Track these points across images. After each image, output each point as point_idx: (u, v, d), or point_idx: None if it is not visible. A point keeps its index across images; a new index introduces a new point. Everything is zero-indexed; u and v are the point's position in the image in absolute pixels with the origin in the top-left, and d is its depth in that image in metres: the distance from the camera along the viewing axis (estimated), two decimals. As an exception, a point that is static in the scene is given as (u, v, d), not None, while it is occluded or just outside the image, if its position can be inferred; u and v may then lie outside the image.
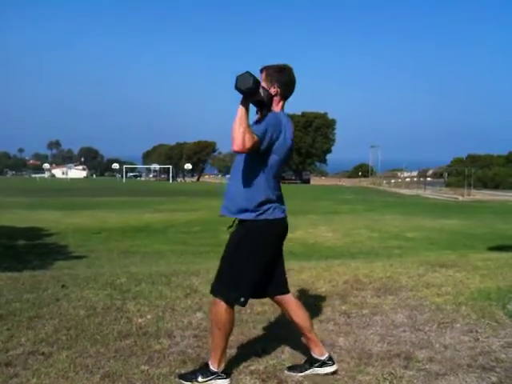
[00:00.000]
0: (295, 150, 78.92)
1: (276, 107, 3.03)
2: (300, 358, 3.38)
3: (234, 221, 3.07)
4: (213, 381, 3.03)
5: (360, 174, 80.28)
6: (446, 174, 59.61)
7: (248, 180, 2.95)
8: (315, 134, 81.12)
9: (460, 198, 37.99)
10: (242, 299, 3.01)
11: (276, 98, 3.02)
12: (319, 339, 3.30)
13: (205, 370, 3.05)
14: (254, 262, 3.01)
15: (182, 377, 3.06)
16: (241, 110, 2.77)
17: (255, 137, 2.78)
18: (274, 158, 2.94)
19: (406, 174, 76.93)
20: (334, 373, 3.17)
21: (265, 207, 2.97)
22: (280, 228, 3.09)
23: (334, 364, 3.20)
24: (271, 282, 3.16)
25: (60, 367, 3.17)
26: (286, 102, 3.12)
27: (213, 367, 3.03)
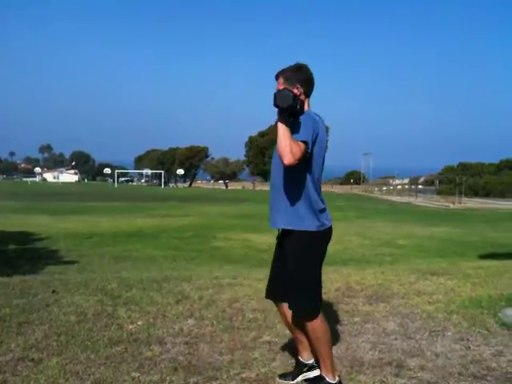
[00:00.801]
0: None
1: (305, 107, 3.02)
2: (291, 366, 3.37)
3: (281, 230, 3.06)
4: None
5: (352, 181, 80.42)
6: (438, 182, 59.86)
7: (297, 188, 2.95)
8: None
9: (451, 206, 38.15)
10: (319, 305, 3.07)
11: (301, 98, 3.00)
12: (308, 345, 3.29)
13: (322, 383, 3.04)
14: (317, 269, 3.06)
15: None
16: (281, 126, 2.77)
17: (301, 145, 2.78)
18: (315, 160, 2.95)
19: (397, 182, 77.15)
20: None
21: (318, 216, 2.98)
22: (329, 236, 3.11)
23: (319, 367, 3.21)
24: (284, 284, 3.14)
25: (50, 374, 3.14)
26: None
27: (329, 379, 3.03)
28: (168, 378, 3.16)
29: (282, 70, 3.04)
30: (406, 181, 75.36)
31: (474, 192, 53.82)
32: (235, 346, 3.73)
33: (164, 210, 25.83)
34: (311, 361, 3.22)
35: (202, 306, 4.71)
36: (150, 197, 42.89)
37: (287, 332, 4.08)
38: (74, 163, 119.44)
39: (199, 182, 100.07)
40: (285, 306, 3.19)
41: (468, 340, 3.97)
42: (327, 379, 3.03)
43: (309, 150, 2.84)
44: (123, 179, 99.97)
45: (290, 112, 2.83)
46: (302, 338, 3.21)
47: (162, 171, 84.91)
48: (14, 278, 6.12)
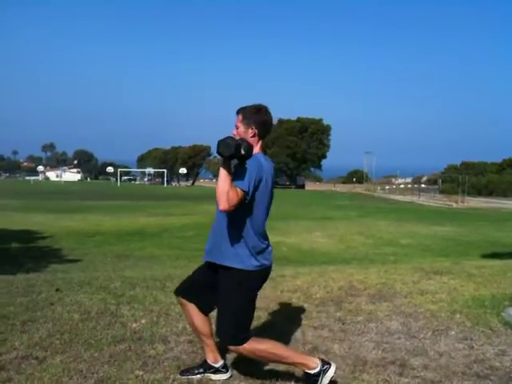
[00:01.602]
0: (290, 155, 79.14)
1: (256, 148, 3.02)
2: (293, 367, 3.37)
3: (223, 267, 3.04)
4: (326, 375, 3.00)
5: (354, 179, 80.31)
6: (440, 181, 59.70)
7: (236, 229, 2.96)
8: (310, 140, 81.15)
9: (454, 205, 38.09)
10: (247, 336, 3.02)
11: (254, 139, 3.03)
12: (217, 346, 3.26)
13: (313, 377, 3.01)
14: (247, 305, 3.03)
15: None
16: (222, 172, 2.81)
17: (239, 192, 2.81)
18: (256, 205, 2.96)
19: (400, 181, 76.99)
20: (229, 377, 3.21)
21: (256, 256, 2.99)
22: (266, 274, 3.12)
23: (227, 372, 3.23)
24: (204, 295, 3.15)
25: (54, 372, 3.15)
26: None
27: (314, 370, 3.00)
28: (171, 376, 3.17)
29: (243, 108, 3.06)
30: (408, 180, 75.20)
31: (477, 191, 53.72)
32: (236, 356, 3.73)
33: (167, 209, 25.84)
34: (218, 364, 3.22)
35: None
36: (152, 195, 42.91)
37: (291, 330, 4.10)
38: (76, 162, 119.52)
39: (202, 180, 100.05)
40: (194, 307, 3.18)
41: (471, 339, 3.97)
42: (311, 372, 3.01)
43: (248, 197, 2.86)
44: (126, 178, 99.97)
45: (236, 157, 2.84)
46: (207, 340, 3.21)
47: (165, 170, 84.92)
48: (18, 277, 6.14)
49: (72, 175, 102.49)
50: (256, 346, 3.00)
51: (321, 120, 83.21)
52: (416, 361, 3.52)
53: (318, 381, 2.99)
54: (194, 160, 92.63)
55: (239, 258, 2.96)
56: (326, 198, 43.69)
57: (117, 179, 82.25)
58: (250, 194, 2.86)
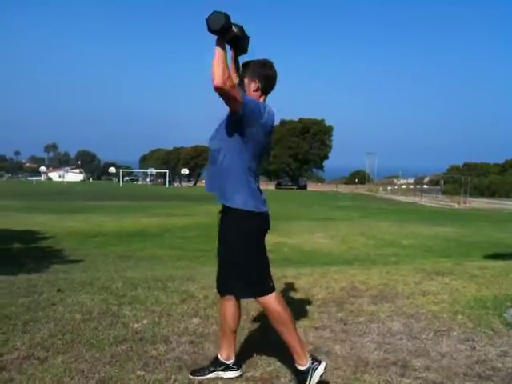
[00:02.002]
0: (292, 156, 79.17)
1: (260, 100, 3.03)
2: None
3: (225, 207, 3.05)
4: (315, 373, 3.00)
5: (357, 180, 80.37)
6: (443, 182, 59.69)
7: (234, 170, 2.94)
8: (312, 141, 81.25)
9: (456, 206, 38.07)
10: (271, 284, 3.03)
11: (257, 93, 3.02)
12: (235, 344, 3.30)
13: (302, 374, 3.02)
14: (259, 250, 3.03)
15: None
16: (218, 50, 2.73)
17: (236, 87, 2.78)
18: (254, 144, 2.93)
19: (402, 181, 76.95)
20: (239, 376, 3.20)
21: (251, 198, 2.97)
22: (266, 221, 3.09)
23: (238, 370, 3.22)
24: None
25: (55, 372, 3.15)
26: (269, 100, 3.13)
27: (302, 366, 3.01)
28: (173, 376, 3.16)
29: (249, 61, 3.06)
30: (410, 180, 75.23)
31: (479, 192, 53.68)
32: (240, 346, 3.73)
33: (168, 210, 25.85)
34: (229, 361, 3.22)
35: (207, 305, 4.72)
36: (154, 196, 42.95)
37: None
38: (79, 162, 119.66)
39: (204, 181, 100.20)
40: (232, 300, 3.20)
41: (473, 340, 3.96)
42: (300, 368, 3.01)
43: (244, 110, 2.80)
44: (128, 178, 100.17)
45: (230, 36, 2.79)
46: (231, 335, 3.22)
47: (167, 170, 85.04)
48: (20, 277, 6.15)
49: (74, 176, 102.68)
50: (280, 307, 2.99)
51: (323, 121, 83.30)
52: (418, 362, 3.51)
53: (306, 379, 2.99)
54: (196, 160, 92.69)
55: (239, 199, 2.94)
56: (328, 198, 43.68)
57: (119, 180, 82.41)
58: (244, 104, 2.80)
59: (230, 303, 3.20)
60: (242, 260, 3.00)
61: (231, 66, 3.01)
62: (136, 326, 4.12)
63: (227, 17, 2.71)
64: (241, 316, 3.31)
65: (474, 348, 3.81)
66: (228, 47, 2.87)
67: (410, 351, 3.72)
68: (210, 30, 2.69)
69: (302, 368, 3.01)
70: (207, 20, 2.68)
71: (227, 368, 3.21)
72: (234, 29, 2.81)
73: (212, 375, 3.19)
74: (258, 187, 3.05)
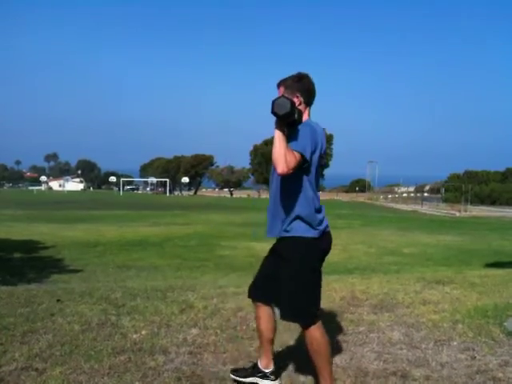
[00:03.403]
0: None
1: (304, 115, 3.02)
2: (296, 375, 3.36)
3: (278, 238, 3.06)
4: None
5: (357, 189, 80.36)
6: (443, 190, 59.67)
7: (295, 195, 2.93)
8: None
9: (457, 214, 38.03)
10: (317, 313, 3.01)
11: (302, 107, 3.01)
12: (272, 353, 3.30)
13: None
14: (315, 277, 3.02)
15: None
16: (278, 133, 2.76)
17: (297, 155, 2.76)
18: (313, 169, 2.94)
19: (402, 190, 76.96)
20: None
21: (314, 224, 2.97)
22: (327, 243, 3.12)
23: (275, 380, 3.23)
24: (273, 287, 3.12)
25: (53, 383, 3.14)
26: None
27: None
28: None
29: (284, 79, 3.05)
30: (411, 189, 75.18)
31: (480, 200, 53.63)
32: (239, 356, 3.72)
33: (169, 219, 25.85)
34: (268, 370, 3.23)
35: (207, 316, 4.70)
36: (155, 205, 42.93)
37: (292, 342, 4.07)
38: (80, 172, 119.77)
39: (204, 190, 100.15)
40: (267, 311, 3.20)
41: (474, 350, 3.95)
42: None
43: (307, 159, 2.82)
44: (128, 187, 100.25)
45: (288, 121, 2.81)
46: (267, 346, 3.23)
47: (167, 179, 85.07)
48: (19, 287, 6.13)
49: (75, 185, 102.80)
50: (322, 337, 2.97)
51: (323, 129, 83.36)
52: (418, 372, 3.50)
53: None
54: (197, 169, 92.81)
55: (297, 226, 2.94)
56: (329, 207, 43.46)
57: (119, 189, 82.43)
58: (307, 156, 2.82)
59: (266, 314, 3.22)
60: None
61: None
62: (135, 336, 4.10)
63: (292, 104, 2.76)
64: (276, 326, 3.28)
65: (475, 357, 3.79)
66: None
67: (410, 361, 3.70)
68: (273, 113, 2.75)
69: None
70: (273, 103, 2.74)
71: (265, 376, 3.22)
72: (296, 114, 2.83)
73: (250, 379, 3.22)
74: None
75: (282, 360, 3.58)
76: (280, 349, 3.84)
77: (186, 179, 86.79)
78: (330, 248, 3.15)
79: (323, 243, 3.05)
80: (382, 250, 14.81)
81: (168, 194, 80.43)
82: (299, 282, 2.95)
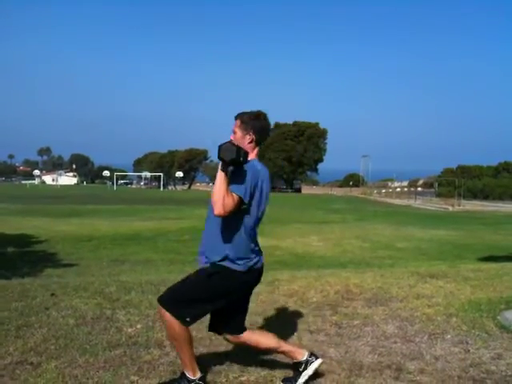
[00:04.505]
0: (286, 159, 79.17)
1: (251, 154, 3.03)
2: (290, 370, 3.37)
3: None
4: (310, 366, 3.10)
5: (351, 183, 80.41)
6: (437, 185, 59.82)
7: (227, 230, 2.95)
8: (307, 144, 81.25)
9: (450, 209, 38.15)
10: (188, 319, 2.98)
11: (251, 145, 3.04)
12: (292, 345, 3.32)
13: (184, 379, 3.04)
14: (216, 298, 3.01)
15: None
16: (220, 175, 2.81)
17: (235, 197, 2.81)
18: (251, 210, 2.96)
19: (396, 184, 77.09)
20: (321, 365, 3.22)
21: (243, 259, 2.98)
22: (252, 278, 3.11)
23: (317, 358, 3.22)
24: (228, 321, 3.16)
25: (48, 377, 3.14)
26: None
27: (190, 375, 3.03)
28: (167, 381, 3.15)
29: (241, 114, 3.07)
30: (405, 183, 75.43)
31: (473, 194, 53.82)
32: (234, 350, 3.73)
33: (163, 213, 25.81)
34: (305, 357, 3.19)
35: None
36: (148, 199, 42.85)
37: (287, 334, 4.08)
38: (74, 166, 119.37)
39: (198, 184, 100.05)
40: (241, 340, 3.20)
41: (467, 343, 3.97)
42: (188, 376, 3.03)
43: (245, 202, 2.86)
44: (122, 182, 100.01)
45: (234, 165, 2.84)
46: (282, 349, 3.22)
47: (161, 174, 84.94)
48: (13, 281, 6.12)
49: (68, 179, 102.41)
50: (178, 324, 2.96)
51: (317, 124, 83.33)
52: (412, 365, 3.52)
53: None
54: (191, 164, 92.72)
55: (226, 259, 2.96)
56: (323, 201, 43.71)
57: (113, 183, 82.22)
58: (246, 200, 2.86)
59: (254, 338, 3.23)
60: None
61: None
62: (130, 330, 4.10)
63: (239, 152, 2.78)
64: (267, 337, 3.26)
65: (468, 351, 3.81)
66: None
67: (405, 354, 3.72)
68: (220, 158, 2.78)
69: (190, 377, 3.03)
70: (220, 148, 2.77)
71: (307, 364, 3.18)
72: (241, 157, 2.85)
73: (302, 380, 3.17)
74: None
75: (235, 353, 3.59)
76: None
77: (179, 174, 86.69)
78: (255, 283, 3.16)
79: (248, 277, 3.04)
80: (376, 244, 14.84)
81: (162, 189, 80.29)
82: (195, 285, 3.00)
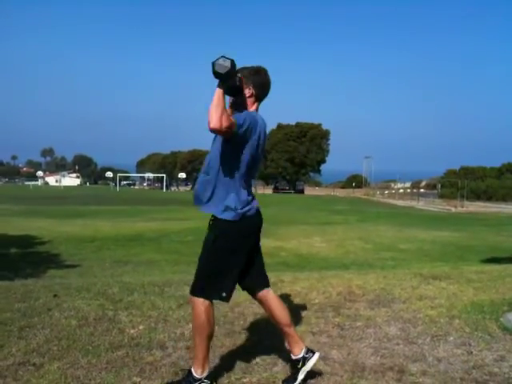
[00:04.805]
0: (289, 160, 79.19)
1: (251, 108, 3.04)
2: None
3: (211, 216, 3.08)
4: (308, 363, 3.10)
5: (354, 184, 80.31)
6: (440, 186, 59.72)
7: (223, 176, 2.97)
8: (309, 145, 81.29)
9: (453, 210, 38.08)
10: (224, 294, 3.03)
11: (251, 100, 3.04)
12: (298, 335, 3.30)
13: (189, 378, 3.04)
14: (231, 259, 3.03)
15: None
16: (218, 91, 2.76)
17: (232, 119, 2.79)
18: (246, 156, 2.96)
19: (399, 185, 76.96)
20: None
21: (239, 204, 2.99)
22: (254, 224, 3.12)
23: (314, 353, 3.21)
24: (252, 276, 3.19)
25: (51, 378, 3.14)
26: (261, 107, 3.15)
27: (196, 374, 3.02)
28: (169, 382, 3.15)
29: (242, 68, 3.05)
30: (407, 184, 75.23)
31: (476, 196, 53.70)
32: (236, 351, 3.73)
33: (165, 214, 25.82)
34: (301, 353, 3.19)
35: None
36: (151, 200, 42.89)
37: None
38: (77, 167, 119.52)
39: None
40: (265, 298, 3.22)
41: (470, 345, 3.96)
42: (194, 374, 3.02)
43: (240, 131, 2.83)
44: (125, 183, 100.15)
45: (230, 84, 2.83)
46: (289, 330, 3.22)
47: (164, 175, 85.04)
48: (16, 282, 6.13)
49: (71, 180, 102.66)
50: (206, 317, 3.00)
51: (320, 125, 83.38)
52: (414, 367, 3.51)
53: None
54: (193, 165, 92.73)
55: (221, 208, 2.98)
56: (325, 202, 43.67)
57: (116, 184, 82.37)
58: (241, 130, 2.84)
59: (272, 302, 3.24)
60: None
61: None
62: (132, 331, 4.11)
63: (233, 63, 2.75)
64: (283, 308, 3.27)
65: (471, 353, 3.80)
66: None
67: (407, 356, 3.72)
68: (214, 73, 2.74)
69: (196, 376, 3.02)
70: (213, 64, 2.74)
71: (305, 360, 3.18)
72: (237, 77, 2.86)
73: (301, 377, 3.16)
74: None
75: (237, 353, 3.59)
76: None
77: (182, 174, 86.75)
78: (257, 229, 3.16)
79: (244, 225, 3.04)
80: (379, 245, 14.83)
81: (164, 190, 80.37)
82: (209, 256, 3.04)
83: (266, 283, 3.25)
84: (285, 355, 3.60)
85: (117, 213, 26.55)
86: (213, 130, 2.75)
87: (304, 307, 4.92)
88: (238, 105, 3.02)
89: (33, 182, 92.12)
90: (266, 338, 4.05)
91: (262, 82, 3.06)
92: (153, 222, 20.97)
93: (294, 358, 3.22)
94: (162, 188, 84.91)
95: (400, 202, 49.11)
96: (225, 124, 2.72)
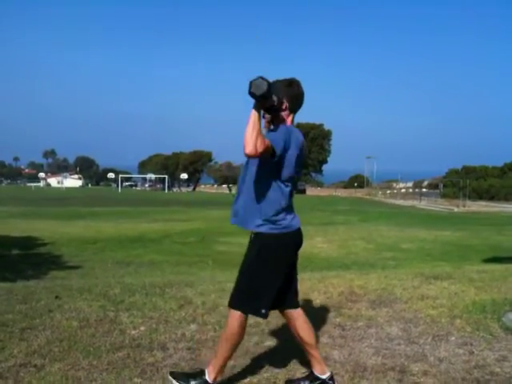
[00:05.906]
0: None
1: (287, 121, 3.03)
2: (294, 371, 3.36)
3: (251, 233, 3.07)
4: None
5: (356, 184, 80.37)
6: (442, 185, 59.69)
7: (262, 192, 2.95)
8: (311, 145, 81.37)
9: (455, 210, 38.08)
10: (263, 311, 3.01)
11: (286, 113, 3.02)
12: (322, 359, 3.25)
13: (199, 378, 3.02)
14: (272, 274, 3.02)
15: (174, 374, 3.07)
16: (254, 114, 2.73)
17: (267, 143, 2.75)
18: (286, 170, 2.94)
19: (401, 185, 76.95)
20: None
21: (280, 219, 2.99)
22: (296, 239, 3.12)
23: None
24: (286, 293, 3.17)
25: (52, 380, 3.14)
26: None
27: (208, 377, 3.01)
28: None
29: (275, 81, 3.02)
30: (409, 184, 75.29)
31: (478, 195, 53.69)
32: (237, 352, 3.72)
33: (167, 215, 25.83)
34: (325, 376, 3.14)
35: (205, 311, 4.71)
36: (153, 201, 42.91)
37: (290, 336, 4.08)
38: (78, 169, 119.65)
39: (203, 186, 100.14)
40: (293, 316, 3.20)
41: (472, 345, 3.95)
42: (207, 377, 3.01)
43: (277, 154, 2.81)
44: (127, 184, 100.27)
45: (266, 105, 2.83)
46: (312, 351, 3.17)
47: (166, 176, 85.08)
48: (17, 284, 6.13)
49: (73, 181, 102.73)
50: (239, 330, 2.99)
51: (321, 125, 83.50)
52: (416, 367, 3.50)
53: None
54: (195, 166, 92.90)
55: (262, 222, 2.97)
56: (327, 203, 43.67)
57: (118, 185, 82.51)
58: (278, 150, 2.81)
59: (299, 321, 3.22)
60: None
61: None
62: (133, 332, 4.11)
63: (270, 85, 2.74)
64: (313, 329, 3.25)
65: (473, 353, 3.80)
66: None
67: (408, 356, 3.71)
68: (250, 93, 2.73)
69: (209, 380, 3.01)
70: (251, 83, 2.73)
71: (323, 383, 3.13)
72: (274, 98, 2.85)
73: None
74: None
75: (238, 355, 3.59)
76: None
77: (184, 175, 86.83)
78: (299, 244, 3.19)
79: (285, 240, 3.05)
80: (381, 245, 14.83)
81: (166, 191, 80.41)
82: (251, 270, 3.03)
83: (296, 303, 3.23)
84: (286, 356, 3.60)
85: (119, 214, 26.56)
86: (248, 156, 2.75)
87: (305, 307, 4.90)
88: (275, 118, 3.02)
89: (35, 184, 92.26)
90: (267, 338, 4.06)
91: (295, 94, 3.05)
92: (155, 223, 20.99)
93: (315, 373, 3.17)
94: (163, 189, 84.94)
95: (402, 202, 49.11)
96: (260, 149, 2.69)
